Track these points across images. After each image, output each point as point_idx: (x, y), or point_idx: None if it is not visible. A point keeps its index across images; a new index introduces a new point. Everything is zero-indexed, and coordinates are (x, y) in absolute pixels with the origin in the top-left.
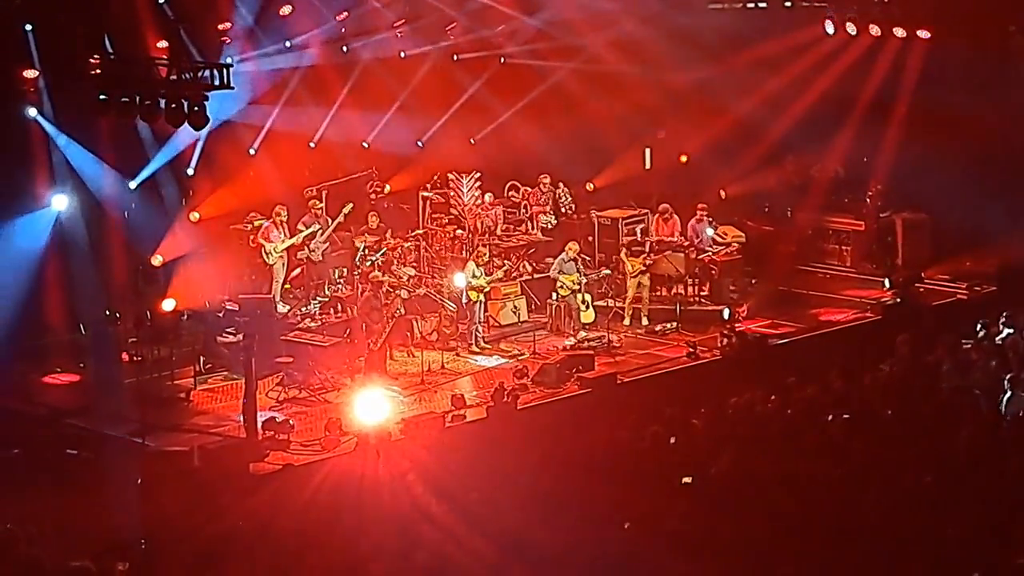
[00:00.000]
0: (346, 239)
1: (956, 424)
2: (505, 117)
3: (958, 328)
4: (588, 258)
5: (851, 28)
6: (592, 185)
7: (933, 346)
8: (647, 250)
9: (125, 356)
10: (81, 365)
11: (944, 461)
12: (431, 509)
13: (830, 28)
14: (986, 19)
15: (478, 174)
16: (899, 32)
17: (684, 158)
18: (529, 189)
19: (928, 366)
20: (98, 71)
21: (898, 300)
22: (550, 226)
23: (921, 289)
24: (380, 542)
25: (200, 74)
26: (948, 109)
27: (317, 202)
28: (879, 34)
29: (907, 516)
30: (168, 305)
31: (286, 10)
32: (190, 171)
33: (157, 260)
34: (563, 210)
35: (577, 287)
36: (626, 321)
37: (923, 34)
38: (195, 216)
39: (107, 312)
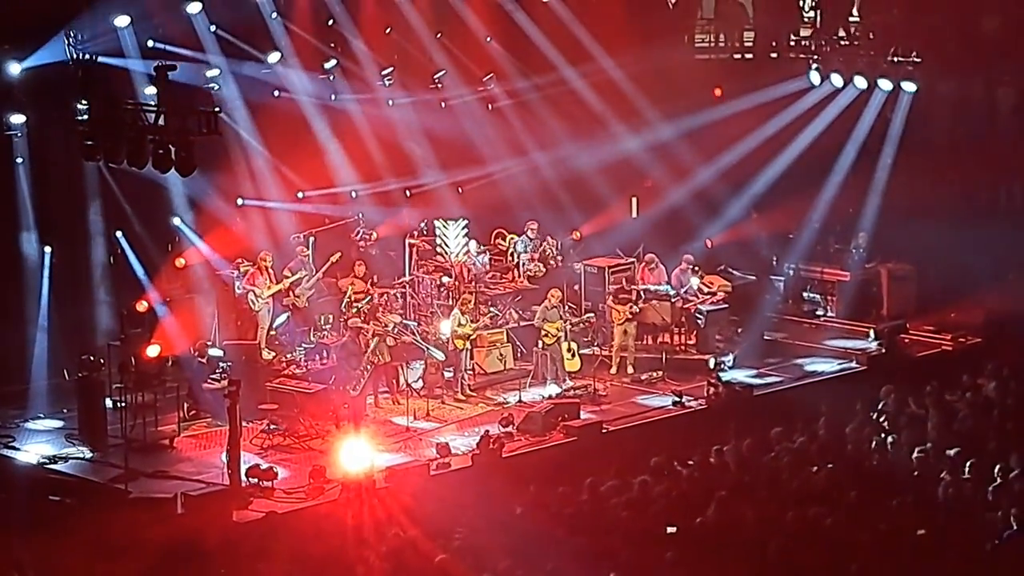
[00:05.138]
0: (332, 285)
1: (941, 474)
2: (493, 164)
3: (942, 379)
4: (574, 306)
5: (837, 80)
6: (579, 233)
7: (918, 397)
8: (633, 298)
9: (109, 402)
10: (64, 411)
11: (929, 510)
12: (416, 557)
13: (816, 79)
14: (973, 72)
15: (465, 221)
16: (885, 84)
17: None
18: (516, 237)
19: (913, 417)
20: (86, 116)
21: (883, 351)
22: (539, 274)
23: (906, 340)
24: None
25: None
26: (934, 161)
27: (304, 248)
28: (865, 86)
29: (894, 565)
30: (153, 351)
31: (273, 58)
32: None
33: (142, 305)
34: (550, 261)
35: (562, 333)
36: (612, 369)
37: (908, 86)
38: (181, 262)
39: (91, 357)
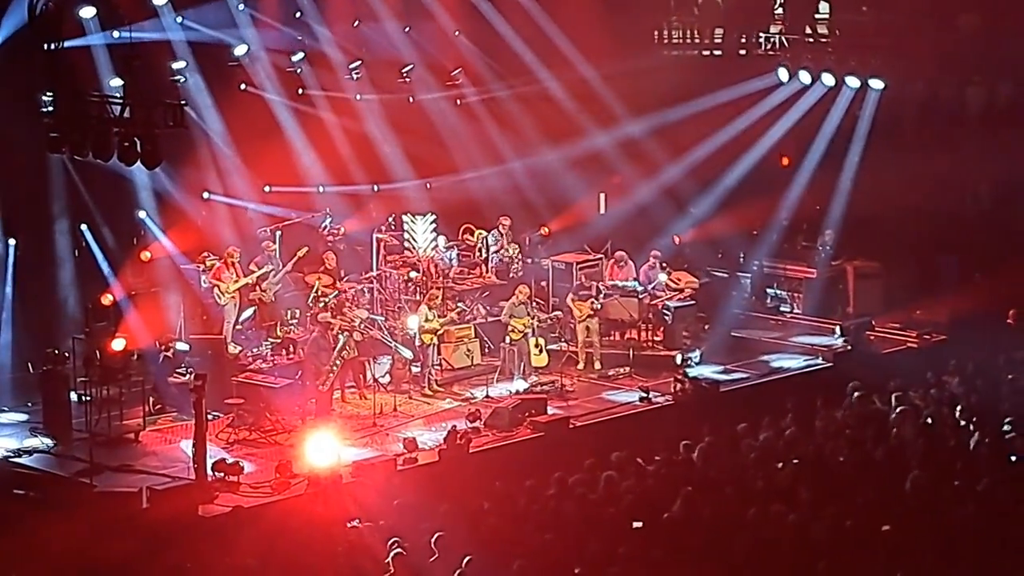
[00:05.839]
0: (299, 280)
1: (906, 470)
2: (461, 159)
3: (908, 376)
4: (542, 302)
5: (805, 77)
6: (547, 229)
7: (883, 393)
8: (593, 294)
9: (74, 395)
10: (29, 404)
11: (894, 506)
12: (381, 552)
13: (784, 76)
14: (942, 70)
15: (433, 216)
16: (852, 81)
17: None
18: (484, 232)
19: (878, 413)
20: (51, 108)
21: (849, 347)
22: (512, 257)
23: (872, 337)
24: None
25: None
26: (901, 159)
27: (270, 243)
28: (833, 83)
29: (859, 561)
30: (118, 344)
31: (240, 50)
32: None
33: (107, 299)
34: (515, 265)
35: (529, 330)
36: (579, 365)
37: (876, 83)
38: (147, 255)
39: (56, 351)
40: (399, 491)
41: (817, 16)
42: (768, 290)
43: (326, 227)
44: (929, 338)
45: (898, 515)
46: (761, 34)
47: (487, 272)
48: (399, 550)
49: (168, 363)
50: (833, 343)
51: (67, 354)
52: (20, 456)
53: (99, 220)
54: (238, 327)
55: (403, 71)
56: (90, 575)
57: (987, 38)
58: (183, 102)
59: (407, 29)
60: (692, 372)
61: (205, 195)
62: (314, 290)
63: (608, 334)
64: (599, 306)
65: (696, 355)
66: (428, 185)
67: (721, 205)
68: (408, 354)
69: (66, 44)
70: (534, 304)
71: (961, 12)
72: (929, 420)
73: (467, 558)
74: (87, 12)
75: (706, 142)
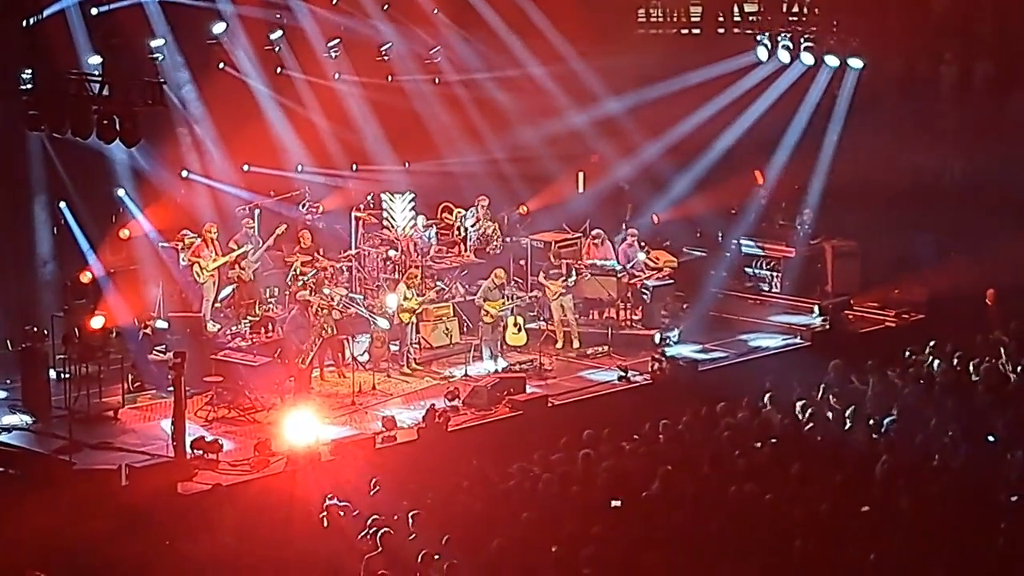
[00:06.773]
0: (278, 258)
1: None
2: (439, 138)
3: (885, 355)
4: (520, 281)
5: (784, 56)
6: (526, 208)
7: (861, 373)
8: (565, 272)
9: (53, 373)
10: (8, 382)
11: (872, 486)
12: (359, 531)
13: (763, 55)
14: (919, 50)
15: (412, 195)
16: (832, 60)
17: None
18: (463, 211)
19: (856, 392)
20: (30, 86)
21: (827, 326)
22: (492, 234)
23: (850, 316)
24: (308, 563)
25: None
26: (879, 138)
27: (249, 221)
28: (812, 62)
29: (834, 542)
30: (97, 322)
31: (218, 28)
32: None
33: (86, 277)
34: (493, 243)
35: (502, 313)
36: (558, 344)
37: (855, 63)
38: (125, 233)
39: (35, 328)
40: (378, 470)
41: None
42: (747, 269)
43: (304, 205)
44: (907, 317)
45: (876, 495)
46: (738, 13)
47: (466, 251)
48: (387, 528)
49: (147, 341)
50: (812, 322)
51: (46, 332)
52: None
53: (77, 198)
54: (217, 305)
55: (381, 49)
56: (69, 552)
57: (963, 15)
58: (162, 80)
59: (385, 7)
60: (670, 351)
61: (184, 173)
62: (293, 268)
63: (586, 313)
64: (571, 283)
65: (674, 334)
66: (407, 164)
67: (699, 184)
68: (384, 324)
69: (44, 13)
70: (512, 285)
71: None
72: (906, 399)
73: (446, 537)
74: None
75: (685, 121)
